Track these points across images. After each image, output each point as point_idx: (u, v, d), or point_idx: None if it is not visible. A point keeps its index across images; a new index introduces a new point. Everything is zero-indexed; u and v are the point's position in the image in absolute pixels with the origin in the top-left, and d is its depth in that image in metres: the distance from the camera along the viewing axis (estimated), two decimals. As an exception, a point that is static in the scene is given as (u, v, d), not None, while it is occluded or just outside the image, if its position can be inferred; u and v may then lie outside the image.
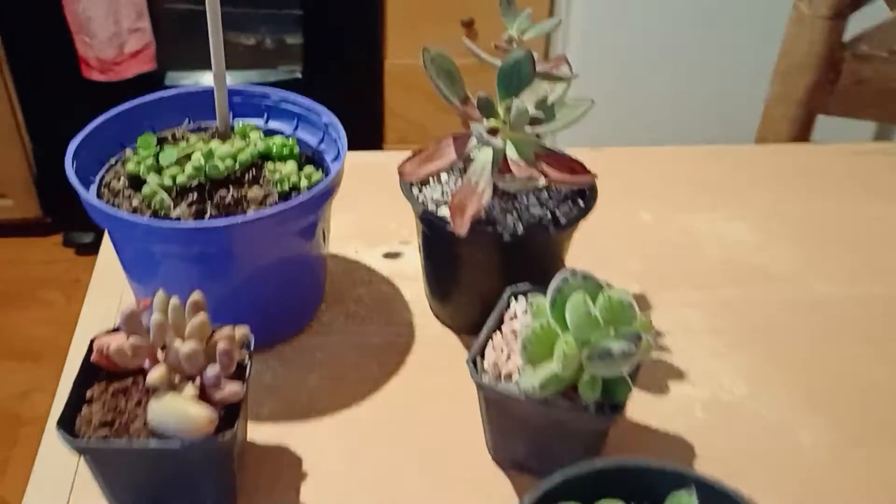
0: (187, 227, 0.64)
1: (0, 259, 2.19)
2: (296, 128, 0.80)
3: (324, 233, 0.74)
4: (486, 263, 0.72)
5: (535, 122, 0.68)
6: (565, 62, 0.74)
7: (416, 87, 2.00)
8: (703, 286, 0.84)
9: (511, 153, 0.68)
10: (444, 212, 0.72)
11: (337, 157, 0.76)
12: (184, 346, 0.55)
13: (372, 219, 0.91)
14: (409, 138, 2.12)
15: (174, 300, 0.58)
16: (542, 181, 0.65)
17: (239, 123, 0.78)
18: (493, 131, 0.68)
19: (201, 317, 0.57)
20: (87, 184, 0.72)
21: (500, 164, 0.67)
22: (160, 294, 0.58)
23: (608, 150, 1.02)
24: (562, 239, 0.73)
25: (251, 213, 0.65)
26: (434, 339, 0.77)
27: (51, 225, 2.21)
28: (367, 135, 2.07)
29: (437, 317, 0.79)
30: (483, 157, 0.68)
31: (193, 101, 0.80)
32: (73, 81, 1.90)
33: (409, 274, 0.84)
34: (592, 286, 0.57)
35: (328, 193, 0.70)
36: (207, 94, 0.77)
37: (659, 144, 1.07)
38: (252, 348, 0.62)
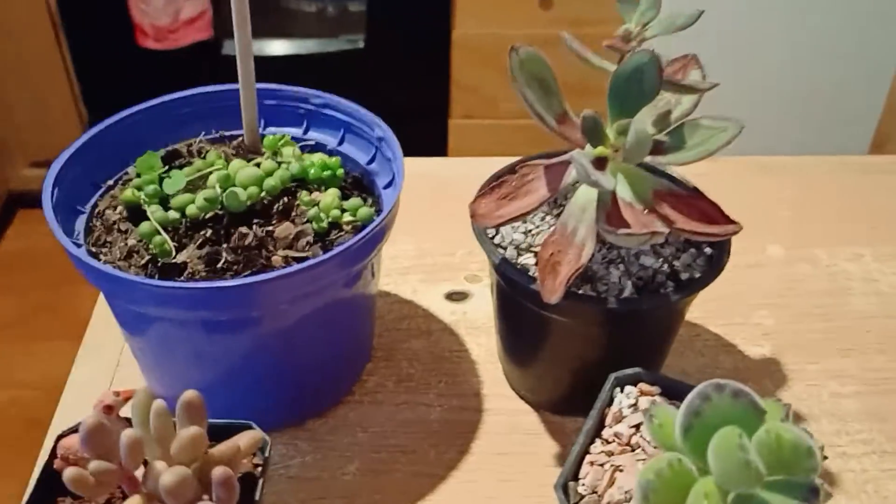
0: (185, 290, 0.48)
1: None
2: (341, 140, 0.63)
3: (373, 272, 0.58)
4: (580, 333, 0.55)
5: (659, 150, 0.50)
6: (695, 63, 0.55)
7: (485, 59, 1.85)
8: (860, 353, 0.65)
9: (624, 193, 0.50)
10: (527, 260, 0.55)
11: (391, 184, 0.59)
12: (167, 476, 0.40)
13: (433, 246, 0.74)
14: (477, 113, 1.96)
15: (158, 403, 0.42)
16: (663, 229, 0.47)
17: (270, 134, 0.62)
18: (600, 162, 0.50)
19: (193, 431, 0.41)
20: (75, 213, 0.57)
21: (609, 208, 0.49)
22: (141, 394, 0.42)
23: (719, 161, 0.83)
24: (683, 305, 0.55)
25: (272, 273, 0.49)
26: (508, 416, 0.60)
27: None
28: (431, 108, 1.92)
29: (511, 386, 0.63)
30: (584, 197, 0.50)
31: (217, 104, 0.63)
32: (128, 49, 1.79)
33: (477, 322, 0.67)
34: (747, 412, 0.39)
35: (380, 236, 0.54)
36: (234, 94, 0.61)
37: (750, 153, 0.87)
38: (268, 454, 0.47)
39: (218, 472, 0.40)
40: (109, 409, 0.44)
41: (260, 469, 0.46)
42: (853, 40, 1.64)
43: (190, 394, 0.43)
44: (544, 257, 0.50)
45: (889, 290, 0.70)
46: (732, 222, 0.50)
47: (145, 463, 0.43)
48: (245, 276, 0.52)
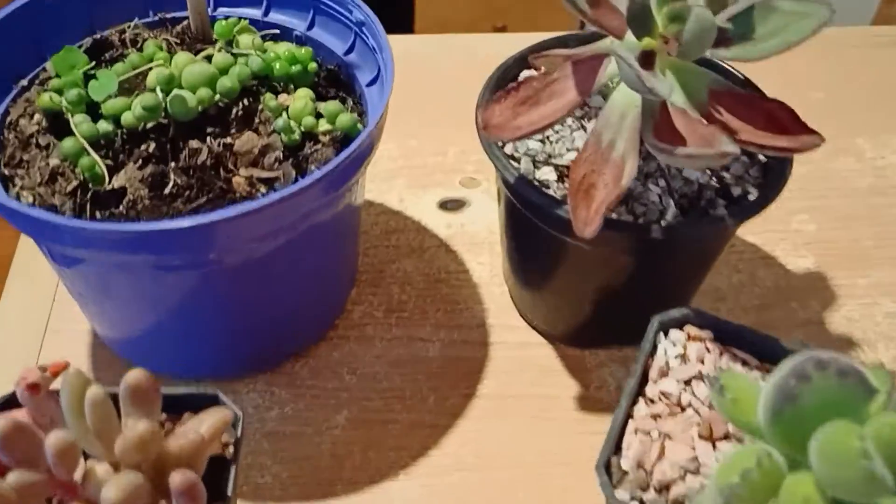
0: (123, 233, 0.38)
1: None
2: (311, 24, 0.51)
3: (359, 188, 0.48)
4: (611, 262, 0.46)
5: (721, 41, 0.39)
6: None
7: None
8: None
9: (677, 97, 0.40)
10: (545, 175, 0.45)
11: (376, 80, 0.48)
12: (110, 488, 0.31)
13: (420, 143, 0.63)
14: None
15: (94, 391, 0.32)
16: (735, 149, 0.37)
17: (222, 17, 0.50)
18: (647, 57, 0.39)
19: (141, 430, 0.32)
20: (-20, 123, 0.46)
21: (657, 116, 0.39)
22: (73, 377, 0.33)
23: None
24: (734, 231, 0.46)
25: (235, 208, 0.38)
26: (518, 351, 0.52)
27: None
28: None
29: (521, 314, 0.54)
30: (623, 100, 0.40)
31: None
32: None
33: (478, 236, 0.58)
34: (856, 395, 0.31)
35: (368, 150, 0.43)
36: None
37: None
38: (241, 433, 0.38)
39: (177, 479, 0.31)
40: (35, 388, 0.35)
41: (231, 450, 0.38)
42: None
43: (135, 376, 0.33)
44: (576, 180, 0.40)
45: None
46: (810, 131, 0.40)
47: (86, 456, 0.34)
48: (200, 211, 0.42)
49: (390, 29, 0.47)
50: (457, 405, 0.49)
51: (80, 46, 0.49)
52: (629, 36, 0.40)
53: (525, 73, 0.50)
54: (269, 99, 0.45)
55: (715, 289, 0.55)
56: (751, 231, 0.57)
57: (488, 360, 0.51)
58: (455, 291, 0.55)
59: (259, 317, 0.47)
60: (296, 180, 0.44)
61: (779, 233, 0.58)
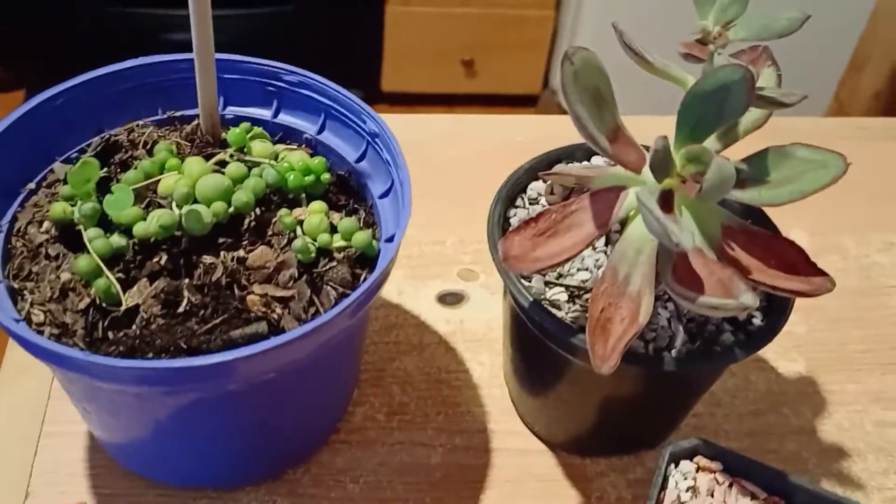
0: (144, 370, 0.37)
1: None
2: (321, 128, 0.51)
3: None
4: (618, 386, 0.46)
5: (737, 183, 0.40)
6: (768, 57, 0.45)
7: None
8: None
9: (697, 239, 0.40)
10: (556, 295, 0.46)
11: (387, 192, 0.48)
12: None
13: (417, 231, 0.64)
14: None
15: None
16: (754, 302, 0.38)
17: (231, 116, 0.50)
18: (666, 198, 0.40)
19: None
20: (-13, 230, 0.45)
21: (674, 255, 0.40)
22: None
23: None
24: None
25: (261, 345, 0.38)
26: (520, 458, 0.52)
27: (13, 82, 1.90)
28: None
29: (522, 419, 0.54)
30: (638, 236, 0.41)
31: (163, 77, 0.51)
32: None
33: (477, 333, 0.58)
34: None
35: (387, 276, 0.43)
36: (184, 65, 0.49)
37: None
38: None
39: None
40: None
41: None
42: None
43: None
44: (594, 314, 0.40)
45: (927, 287, 0.64)
46: (821, 273, 0.41)
47: None
48: (215, 332, 0.41)
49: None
50: (459, 515, 0.50)
51: (88, 146, 0.48)
52: (647, 173, 0.41)
53: (533, 185, 0.51)
54: (284, 215, 0.45)
55: (711, 394, 0.56)
56: (744, 334, 0.59)
57: (490, 468, 0.52)
58: (456, 393, 0.55)
59: (264, 433, 0.47)
60: (310, 300, 0.44)
61: (770, 335, 0.59)
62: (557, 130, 0.51)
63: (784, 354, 0.58)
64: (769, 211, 0.48)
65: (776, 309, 0.45)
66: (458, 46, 1.92)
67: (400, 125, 0.64)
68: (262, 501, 0.49)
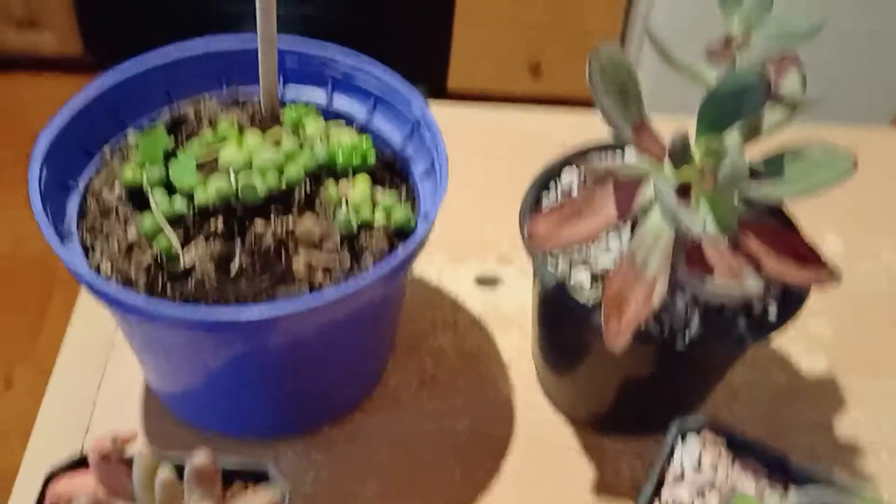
0: (194, 320, 0.42)
1: (44, 96, 1.99)
2: (372, 109, 0.55)
3: (407, 274, 0.51)
4: (636, 365, 0.49)
5: (754, 179, 0.43)
6: (795, 65, 0.47)
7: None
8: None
9: (709, 227, 0.43)
10: (580, 275, 0.49)
11: (430, 172, 0.52)
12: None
13: (459, 218, 0.67)
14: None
15: (164, 474, 0.36)
16: (758, 289, 0.40)
17: (290, 100, 0.54)
18: (684, 189, 0.43)
19: (206, 510, 0.35)
20: (66, 189, 0.50)
21: (688, 245, 0.43)
22: (144, 458, 0.37)
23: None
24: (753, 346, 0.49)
25: (297, 303, 0.42)
26: (542, 431, 0.55)
27: (95, 64, 2.00)
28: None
29: (546, 394, 0.57)
30: (657, 223, 0.44)
31: (231, 59, 0.55)
32: None
33: (509, 314, 0.61)
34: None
35: (420, 248, 0.47)
36: (249, 54, 0.53)
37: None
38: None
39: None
40: (107, 458, 0.38)
41: (278, 525, 0.41)
42: None
43: (200, 460, 0.37)
44: (609, 294, 0.43)
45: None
46: (827, 267, 0.43)
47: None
48: (262, 292, 0.45)
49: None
50: (481, 480, 0.53)
51: (158, 118, 0.53)
52: (668, 166, 0.44)
53: (567, 174, 0.54)
54: (330, 187, 0.49)
55: (730, 385, 0.58)
56: (769, 330, 0.60)
57: (513, 438, 0.55)
58: (485, 368, 0.58)
59: (305, 386, 0.51)
60: (350, 268, 0.47)
61: (795, 334, 0.61)
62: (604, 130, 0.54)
63: (807, 353, 0.60)
64: (802, 217, 0.50)
65: (791, 302, 0.48)
66: (525, 46, 1.95)
67: (453, 115, 0.68)
68: (298, 454, 0.53)
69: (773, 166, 0.43)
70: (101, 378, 0.56)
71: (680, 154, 0.41)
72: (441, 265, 0.64)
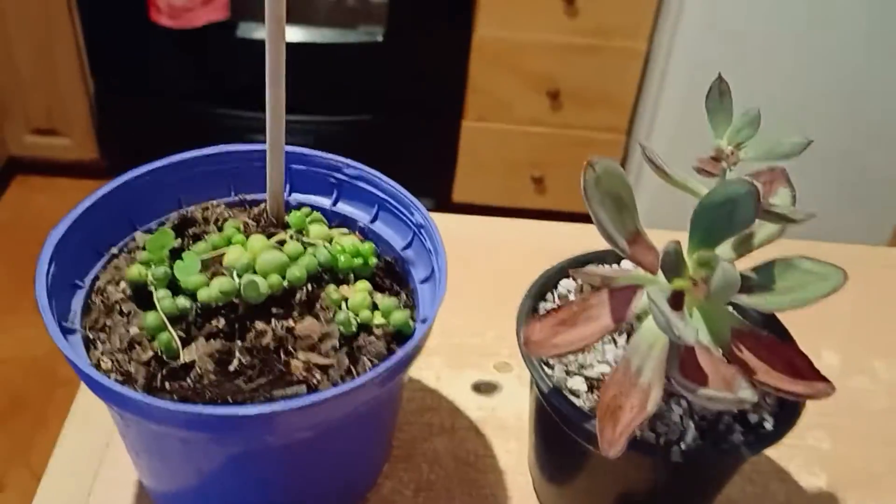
0: (189, 413, 0.42)
1: (57, 198, 2.04)
2: (374, 217, 0.56)
3: (404, 378, 0.52)
4: (630, 476, 0.49)
5: (744, 289, 0.43)
6: (784, 179, 0.49)
7: (504, 63, 1.87)
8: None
9: (702, 336, 0.44)
10: (576, 385, 0.49)
11: (428, 279, 0.53)
12: None
13: (460, 323, 0.68)
14: (491, 116, 1.95)
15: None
16: (752, 397, 0.41)
17: (296, 204, 0.56)
18: (677, 298, 0.44)
19: None
20: (73, 288, 0.51)
21: (682, 351, 0.43)
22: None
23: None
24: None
25: (295, 400, 0.42)
26: (538, 543, 0.54)
27: (109, 168, 2.06)
28: (445, 107, 1.92)
29: (543, 505, 0.56)
30: (651, 332, 0.44)
31: (239, 164, 0.57)
32: (141, 24, 1.77)
33: (507, 422, 0.61)
34: None
35: (418, 351, 0.47)
36: (258, 156, 0.55)
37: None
38: None
39: None
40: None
41: None
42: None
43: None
44: (605, 400, 0.43)
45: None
46: (823, 379, 0.44)
47: None
48: (260, 391, 0.46)
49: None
50: None
51: (167, 220, 0.54)
52: (661, 275, 0.45)
53: (564, 282, 0.55)
54: (331, 291, 0.50)
55: (729, 499, 0.57)
56: (767, 444, 0.60)
57: (508, 550, 0.54)
58: (481, 476, 0.58)
59: (298, 491, 0.50)
60: (348, 369, 0.48)
61: (794, 447, 0.61)
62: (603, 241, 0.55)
63: (806, 468, 0.60)
64: (798, 331, 0.51)
65: (787, 414, 0.48)
66: (528, 163, 2.00)
67: (455, 226, 0.69)
68: (288, 560, 0.52)
69: (765, 277, 0.44)
70: (93, 479, 0.55)
71: (672, 264, 0.42)
72: (439, 370, 0.64)
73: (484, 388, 0.64)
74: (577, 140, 1.95)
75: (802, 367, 0.44)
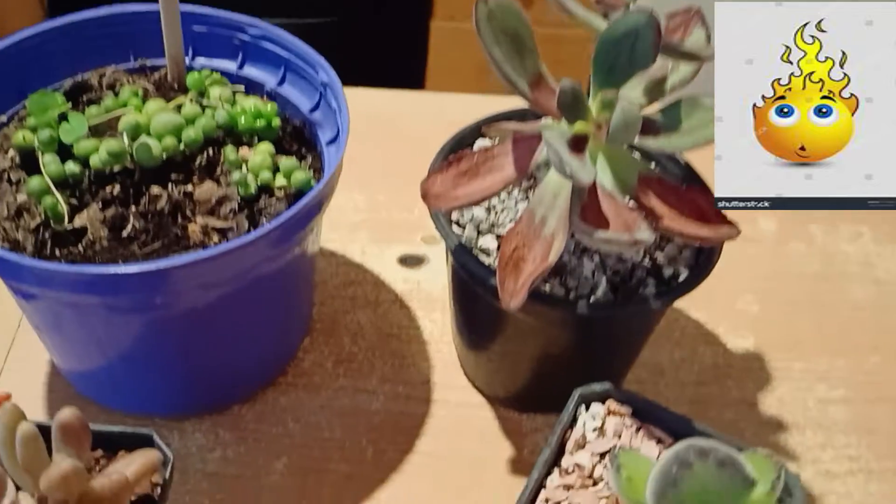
0: (71, 274, 0.40)
1: None
2: (282, 80, 0.54)
3: (312, 239, 0.50)
4: (544, 333, 0.48)
5: (649, 130, 0.41)
6: (699, 20, 0.46)
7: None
8: (852, 351, 0.59)
9: (605, 181, 0.42)
10: (487, 242, 0.47)
11: (335, 140, 0.50)
12: (24, 520, 0.32)
13: (388, 198, 0.66)
14: (460, 16, 1.87)
15: (25, 428, 0.34)
16: (649, 238, 0.39)
17: (200, 68, 0.53)
18: (578, 142, 0.42)
19: (64, 467, 0.33)
20: (-42, 156, 0.48)
21: (585, 197, 0.42)
22: (7, 413, 0.35)
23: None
24: (662, 311, 0.48)
25: (181, 258, 0.41)
26: (459, 410, 0.54)
27: None
28: (413, 7, 1.84)
29: (465, 374, 0.56)
30: (557, 180, 0.42)
31: (140, 26, 0.54)
32: None
33: (433, 294, 0.60)
34: (733, 483, 0.32)
35: (317, 208, 0.45)
36: (157, 17, 0.52)
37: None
38: (169, 474, 0.39)
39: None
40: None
41: (159, 491, 0.39)
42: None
43: (66, 414, 0.35)
44: (506, 252, 0.42)
45: (887, 278, 0.63)
46: (728, 223, 0.42)
47: (18, 487, 0.36)
48: (154, 255, 0.44)
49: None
50: (393, 460, 0.51)
51: (60, 87, 0.52)
52: (564, 122, 0.43)
53: (479, 142, 0.52)
54: (229, 151, 0.48)
55: (655, 363, 0.56)
56: (695, 307, 0.59)
57: (428, 417, 0.53)
58: (404, 347, 0.57)
59: (207, 362, 0.49)
60: (248, 232, 0.46)
61: (724, 311, 0.60)
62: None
63: (734, 331, 0.59)
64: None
65: (702, 265, 0.46)
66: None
67: (378, 99, 0.67)
68: (205, 432, 0.51)
69: (670, 118, 0.42)
70: (4, 361, 0.54)
71: (570, 105, 0.40)
72: (365, 245, 0.62)
73: (410, 261, 0.62)
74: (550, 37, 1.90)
75: (709, 212, 0.42)
